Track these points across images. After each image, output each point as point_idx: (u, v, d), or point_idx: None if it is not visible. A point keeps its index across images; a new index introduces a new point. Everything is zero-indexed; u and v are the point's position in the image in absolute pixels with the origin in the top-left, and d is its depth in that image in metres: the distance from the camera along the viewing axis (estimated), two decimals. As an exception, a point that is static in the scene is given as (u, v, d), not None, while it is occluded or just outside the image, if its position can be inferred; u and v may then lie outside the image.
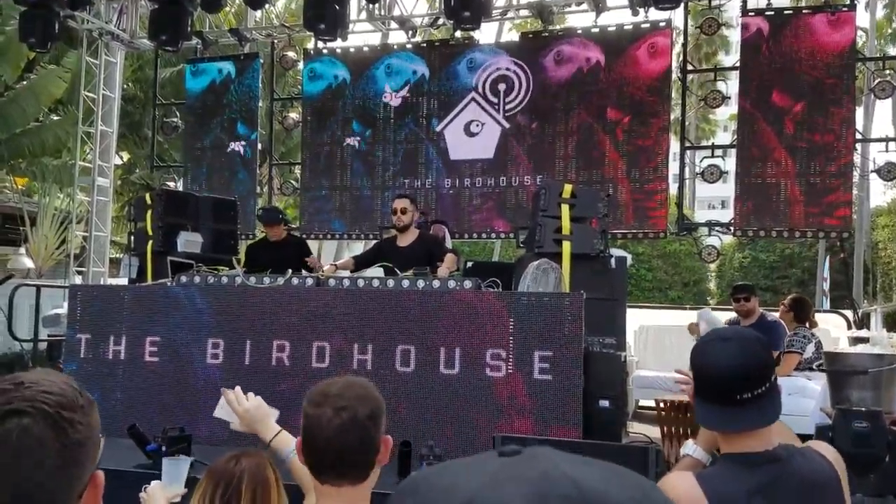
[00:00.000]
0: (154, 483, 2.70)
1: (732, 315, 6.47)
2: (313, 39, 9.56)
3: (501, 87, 9.00)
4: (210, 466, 2.20)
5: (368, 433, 1.64)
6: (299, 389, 5.10)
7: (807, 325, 6.11)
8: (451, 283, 5.10)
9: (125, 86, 14.25)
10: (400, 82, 9.41)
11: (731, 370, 1.65)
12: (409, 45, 9.61)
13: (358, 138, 9.52)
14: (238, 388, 2.42)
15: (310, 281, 5.38)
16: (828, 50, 7.86)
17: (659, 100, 8.55)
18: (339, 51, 9.74)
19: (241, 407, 2.36)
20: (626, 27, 8.64)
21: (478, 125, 9.08)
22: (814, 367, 5.70)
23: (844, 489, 1.69)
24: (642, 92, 8.49)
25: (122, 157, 16.88)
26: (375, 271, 5.95)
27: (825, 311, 12.60)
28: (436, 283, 5.10)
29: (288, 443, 2.24)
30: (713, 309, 7.37)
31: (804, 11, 7.97)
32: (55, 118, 14.93)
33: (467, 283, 5.06)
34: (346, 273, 6.08)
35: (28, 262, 14.58)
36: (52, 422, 0.92)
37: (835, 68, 7.85)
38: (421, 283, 5.11)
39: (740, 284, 6.63)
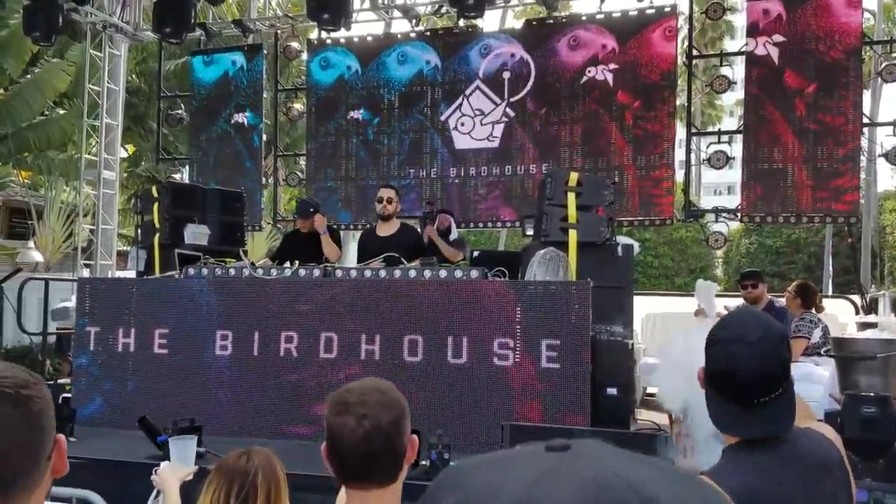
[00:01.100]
0: (164, 464, 2.71)
1: (740, 302, 6.46)
2: (317, 29, 9.53)
3: (506, 75, 8.97)
4: (219, 463, 2.19)
5: (392, 440, 1.61)
6: (307, 380, 5.12)
7: (813, 310, 6.09)
8: (458, 273, 5.10)
9: (129, 78, 14.24)
10: (413, 71, 9.35)
11: (752, 376, 1.59)
12: (412, 34, 9.58)
13: (361, 113, 9.46)
14: None
15: (317, 272, 5.39)
16: (835, 33, 7.80)
17: (667, 85, 8.51)
18: (344, 40, 9.71)
19: None
20: (631, 13, 8.59)
21: (482, 114, 9.05)
22: (821, 352, 5.69)
23: (847, 468, 1.69)
24: (652, 78, 8.44)
25: (127, 150, 16.90)
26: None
27: (833, 297, 12.56)
28: (442, 273, 5.10)
29: None
30: (719, 295, 7.34)
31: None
32: (60, 112, 14.95)
33: (474, 273, 5.06)
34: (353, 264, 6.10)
35: (36, 256, 14.64)
36: (14, 400, 1.06)
37: (842, 52, 7.79)
38: (427, 273, 5.12)
39: (748, 271, 6.60)
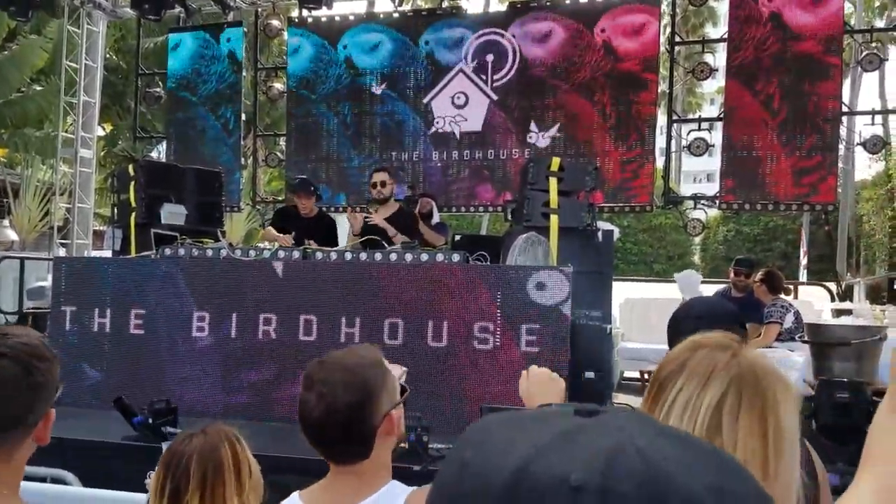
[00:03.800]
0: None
1: (722, 287, 6.56)
2: (298, 7, 9.42)
3: (489, 58, 8.93)
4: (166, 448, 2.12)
5: (351, 421, 1.57)
6: (286, 363, 5.10)
7: (782, 294, 6.19)
8: (440, 257, 5.10)
9: (108, 56, 14.03)
10: (396, 53, 9.26)
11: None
12: (395, 14, 9.50)
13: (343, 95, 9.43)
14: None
15: (296, 254, 5.36)
16: (815, 22, 7.84)
17: (647, 72, 8.51)
18: (325, 19, 9.61)
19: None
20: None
21: (465, 97, 9.01)
22: (795, 337, 5.76)
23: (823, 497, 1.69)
24: (631, 64, 8.45)
25: (104, 128, 16.68)
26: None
27: (808, 283, 12.71)
28: (424, 256, 5.09)
29: None
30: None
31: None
32: (38, 88, 14.71)
33: (455, 257, 5.05)
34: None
35: (12, 235, 14.44)
36: (23, 365, 1.33)
37: (822, 40, 7.83)
38: (409, 257, 5.11)
39: (746, 259, 6.73)
